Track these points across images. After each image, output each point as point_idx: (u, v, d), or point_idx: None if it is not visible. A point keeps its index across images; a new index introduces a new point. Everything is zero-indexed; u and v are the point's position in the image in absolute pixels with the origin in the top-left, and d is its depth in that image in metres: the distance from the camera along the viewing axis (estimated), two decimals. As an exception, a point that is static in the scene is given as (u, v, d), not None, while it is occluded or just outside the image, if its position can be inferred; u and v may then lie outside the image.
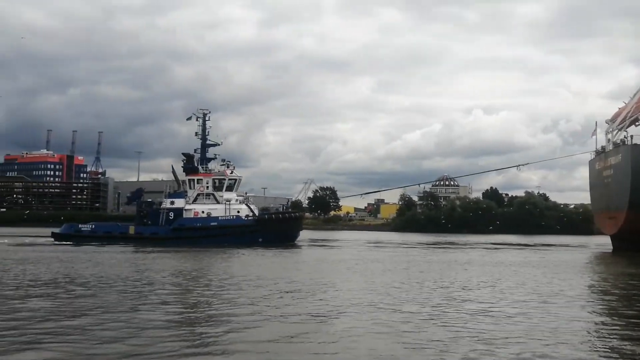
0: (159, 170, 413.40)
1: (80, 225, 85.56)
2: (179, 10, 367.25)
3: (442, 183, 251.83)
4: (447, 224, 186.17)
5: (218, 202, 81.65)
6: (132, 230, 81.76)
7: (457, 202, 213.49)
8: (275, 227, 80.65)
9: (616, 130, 75.27)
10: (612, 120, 77.61)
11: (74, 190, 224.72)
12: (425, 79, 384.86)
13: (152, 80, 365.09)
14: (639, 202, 64.80)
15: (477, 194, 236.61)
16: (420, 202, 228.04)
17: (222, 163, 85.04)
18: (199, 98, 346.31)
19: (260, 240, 77.25)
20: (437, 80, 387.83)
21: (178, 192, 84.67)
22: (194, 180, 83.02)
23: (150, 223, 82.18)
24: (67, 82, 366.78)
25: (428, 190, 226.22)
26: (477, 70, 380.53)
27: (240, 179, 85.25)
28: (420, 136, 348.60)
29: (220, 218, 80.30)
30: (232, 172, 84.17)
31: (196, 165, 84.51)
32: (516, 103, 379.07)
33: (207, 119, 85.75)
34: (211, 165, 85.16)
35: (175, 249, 66.06)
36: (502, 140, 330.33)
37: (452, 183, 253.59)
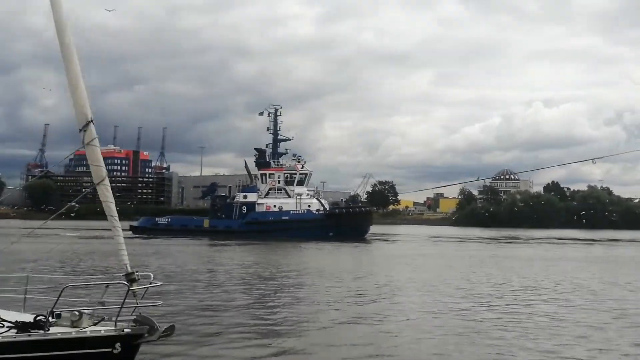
0: (220, 164, 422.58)
1: (157, 219, 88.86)
2: (241, 7, 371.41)
3: (502, 177, 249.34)
4: (508, 218, 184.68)
5: (289, 197, 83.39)
6: (206, 223, 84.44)
7: (518, 197, 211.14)
8: (346, 222, 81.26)
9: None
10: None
11: (140, 185, 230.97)
12: (485, 72, 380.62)
13: (215, 77, 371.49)
14: None
15: (538, 188, 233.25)
16: (481, 196, 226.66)
17: (293, 158, 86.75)
18: (260, 94, 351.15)
19: (331, 234, 77.81)
20: (498, 72, 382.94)
21: (250, 186, 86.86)
22: (265, 174, 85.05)
23: (224, 216, 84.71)
24: (135, 79, 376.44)
25: (488, 184, 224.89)
26: (539, 62, 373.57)
27: (310, 174, 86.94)
28: (480, 129, 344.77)
29: (291, 212, 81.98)
30: (302, 167, 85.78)
31: (268, 160, 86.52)
32: (578, 95, 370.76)
33: (278, 114, 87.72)
34: (282, 160, 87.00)
35: (248, 242, 68.09)
36: (564, 133, 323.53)
37: (512, 177, 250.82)
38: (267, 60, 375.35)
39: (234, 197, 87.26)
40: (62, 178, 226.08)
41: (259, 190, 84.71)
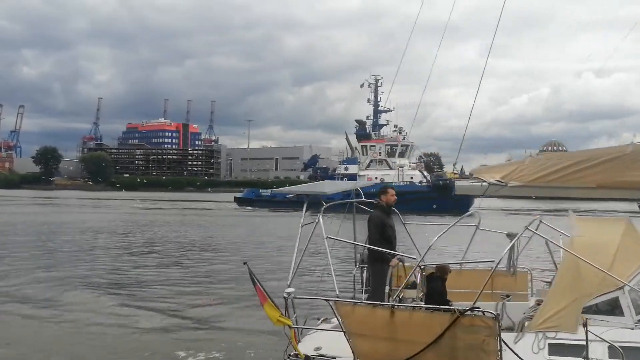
0: (268, 137, 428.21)
1: (260, 190, 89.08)
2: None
3: (549, 148, 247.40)
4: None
5: (391, 168, 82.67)
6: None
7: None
8: (449, 194, 79.80)
9: None
10: None
11: (190, 157, 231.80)
12: (535, 42, 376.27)
13: (263, 51, 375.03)
14: None
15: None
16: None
17: (394, 129, 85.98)
18: (306, 67, 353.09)
19: (434, 207, 76.27)
20: (548, 43, 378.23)
21: (351, 158, 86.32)
22: (366, 146, 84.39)
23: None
24: (185, 54, 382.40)
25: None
26: (590, 32, 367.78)
27: (412, 145, 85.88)
28: (528, 101, 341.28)
29: (393, 184, 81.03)
30: (404, 138, 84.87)
31: (368, 132, 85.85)
32: (631, 65, 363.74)
33: (379, 85, 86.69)
34: (383, 131, 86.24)
35: (350, 214, 67.40)
36: (615, 104, 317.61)
37: (559, 148, 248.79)
38: (313, 34, 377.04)
39: (335, 169, 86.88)
40: (115, 150, 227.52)
41: (359, 162, 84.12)
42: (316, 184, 10.50)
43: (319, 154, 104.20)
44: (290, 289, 7.68)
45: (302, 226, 8.34)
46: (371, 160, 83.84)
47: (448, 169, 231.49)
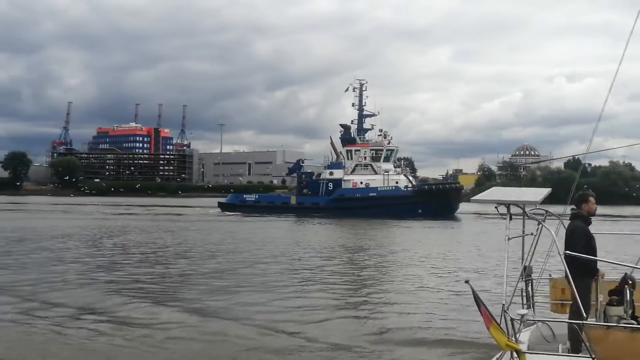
0: (240, 142, 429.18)
1: (245, 196, 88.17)
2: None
3: (521, 152, 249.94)
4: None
5: (376, 173, 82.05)
6: (293, 200, 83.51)
7: (538, 172, 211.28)
8: (435, 199, 77.60)
9: None
10: None
11: (162, 162, 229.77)
12: (506, 47, 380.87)
13: (234, 55, 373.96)
14: None
15: (558, 164, 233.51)
16: (500, 172, 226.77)
17: (379, 133, 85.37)
18: (279, 71, 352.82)
19: (419, 211, 75.51)
20: (519, 48, 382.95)
21: (336, 162, 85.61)
22: (351, 151, 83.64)
23: (310, 193, 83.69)
24: (157, 58, 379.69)
25: (507, 160, 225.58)
26: (561, 37, 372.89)
27: (397, 150, 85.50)
28: (500, 105, 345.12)
29: (379, 189, 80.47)
30: (389, 143, 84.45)
31: (353, 136, 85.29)
32: (602, 70, 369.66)
33: (363, 89, 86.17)
34: (368, 135, 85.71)
35: (337, 220, 67.04)
36: (586, 109, 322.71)
37: (532, 153, 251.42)
38: (285, 38, 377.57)
39: (319, 174, 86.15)
40: (86, 155, 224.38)
41: (344, 166, 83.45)
42: (516, 190, 9.00)
43: (302, 158, 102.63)
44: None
45: (508, 239, 7.44)
46: (356, 165, 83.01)
47: (421, 173, 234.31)
